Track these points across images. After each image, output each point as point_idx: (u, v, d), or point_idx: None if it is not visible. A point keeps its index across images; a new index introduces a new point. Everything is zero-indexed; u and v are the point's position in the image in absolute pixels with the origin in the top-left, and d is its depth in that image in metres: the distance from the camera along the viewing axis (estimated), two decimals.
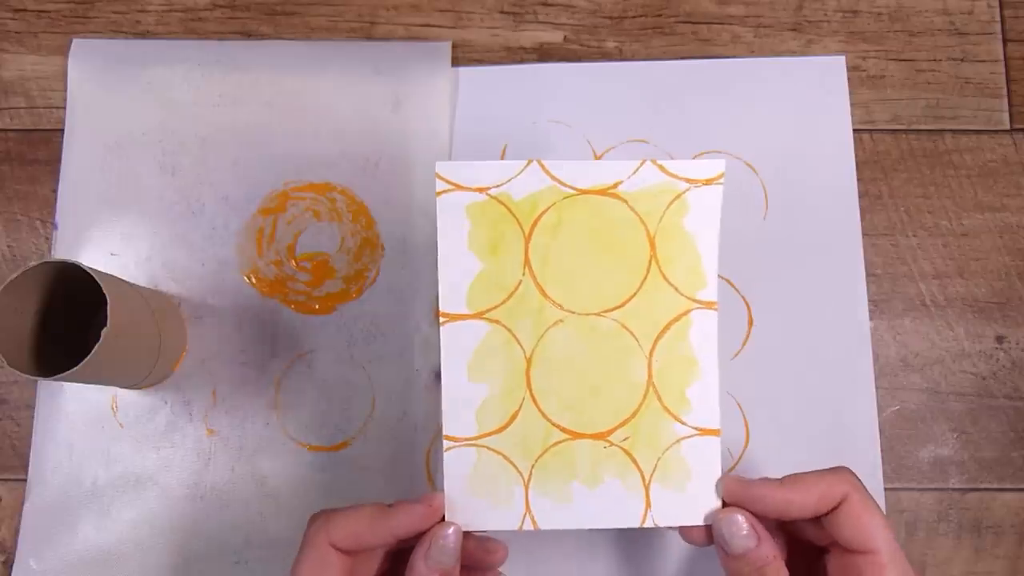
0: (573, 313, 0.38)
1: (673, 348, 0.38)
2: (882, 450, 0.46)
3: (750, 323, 0.47)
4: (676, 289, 0.39)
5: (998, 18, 0.51)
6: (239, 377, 0.47)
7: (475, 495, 0.38)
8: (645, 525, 0.38)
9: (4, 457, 0.47)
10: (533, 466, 0.38)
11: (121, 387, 0.47)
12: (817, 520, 0.36)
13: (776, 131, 0.49)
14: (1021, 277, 0.48)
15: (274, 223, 0.49)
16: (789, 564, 0.35)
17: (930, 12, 0.51)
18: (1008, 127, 0.49)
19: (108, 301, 0.39)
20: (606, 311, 0.38)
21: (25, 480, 0.46)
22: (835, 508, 0.35)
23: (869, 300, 0.47)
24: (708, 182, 0.39)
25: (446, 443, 0.38)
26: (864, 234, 0.48)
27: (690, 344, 0.38)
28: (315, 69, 0.50)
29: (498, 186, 0.39)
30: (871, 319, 0.47)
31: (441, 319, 0.38)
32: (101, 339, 0.39)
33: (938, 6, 0.51)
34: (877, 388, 0.46)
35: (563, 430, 0.38)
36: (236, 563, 0.45)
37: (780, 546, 0.37)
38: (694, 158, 0.48)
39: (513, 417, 0.38)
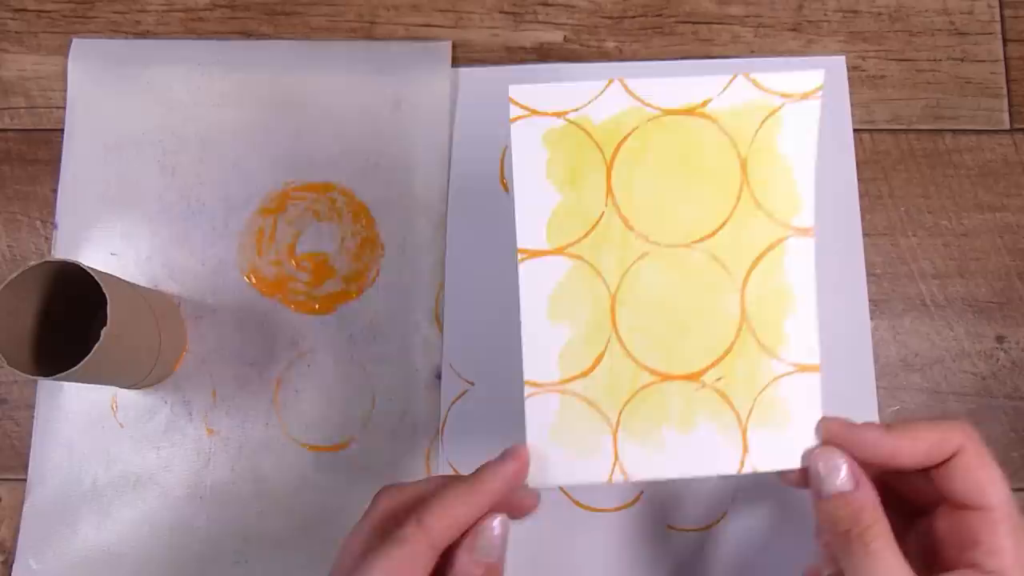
0: (660, 245, 0.36)
1: (767, 279, 0.36)
2: None
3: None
4: (770, 216, 0.36)
5: (998, 18, 0.51)
6: (239, 377, 0.47)
7: (559, 446, 0.35)
8: (744, 471, 0.35)
9: (4, 457, 0.47)
10: (621, 412, 0.35)
11: (121, 387, 0.47)
12: (925, 473, 0.33)
13: None
14: (1021, 277, 0.48)
15: (274, 223, 0.49)
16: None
17: (930, 12, 0.51)
18: (1008, 127, 0.49)
19: (108, 301, 0.39)
20: (695, 242, 0.36)
21: (25, 480, 0.46)
22: (947, 461, 0.32)
23: (869, 300, 0.47)
24: (805, 96, 0.36)
25: (527, 389, 0.35)
26: (864, 234, 0.48)
27: (785, 274, 0.36)
28: (315, 69, 0.50)
29: (576, 110, 0.36)
30: (871, 319, 0.47)
31: (519, 256, 0.36)
32: (101, 339, 0.39)
33: (938, 6, 0.51)
34: (877, 388, 0.46)
35: (652, 372, 0.36)
36: (236, 563, 0.45)
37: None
38: None
39: (598, 360, 0.36)
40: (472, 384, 0.47)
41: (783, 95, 0.36)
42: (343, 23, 0.52)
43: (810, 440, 0.35)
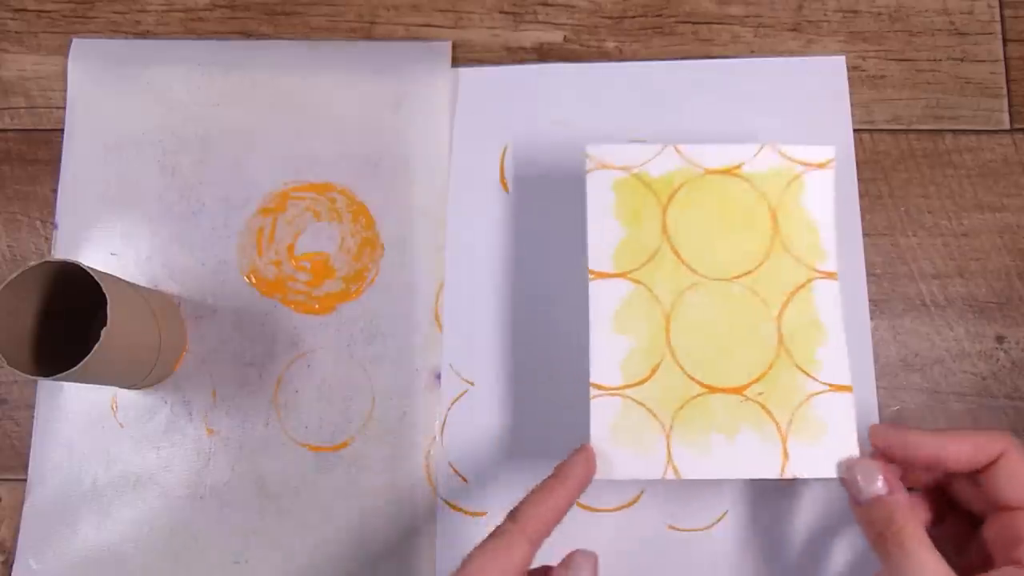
0: (706, 278, 0.42)
1: (800, 313, 0.41)
2: None
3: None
4: (798, 260, 0.42)
5: (998, 18, 0.51)
6: (239, 377, 0.47)
7: (619, 444, 0.40)
8: (784, 476, 0.39)
9: (4, 457, 0.47)
10: (674, 417, 0.40)
11: (121, 387, 0.47)
12: (975, 482, 0.36)
13: (776, 131, 0.49)
14: (1021, 277, 0.48)
15: (274, 223, 0.49)
16: (943, 537, 0.35)
17: (930, 12, 0.51)
18: (1008, 127, 0.49)
19: (108, 301, 0.39)
20: (735, 277, 0.42)
21: (25, 480, 0.46)
22: (992, 464, 0.35)
23: (869, 300, 0.47)
24: (821, 165, 0.43)
25: (593, 391, 0.40)
26: (864, 234, 0.48)
27: (816, 309, 0.41)
28: (315, 69, 0.50)
29: (639, 165, 0.43)
30: (871, 319, 0.47)
31: (590, 276, 0.42)
32: (101, 339, 0.39)
33: (938, 6, 0.51)
34: (877, 388, 0.46)
35: (701, 384, 0.41)
36: (236, 563, 0.45)
37: (931, 514, 0.39)
38: None
39: (654, 370, 0.41)
40: (472, 384, 0.47)
41: (803, 163, 0.43)
42: (343, 23, 0.52)
43: (847, 451, 0.39)
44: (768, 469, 0.39)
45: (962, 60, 0.50)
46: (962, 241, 0.48)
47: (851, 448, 0.39)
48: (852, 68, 0.50)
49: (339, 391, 0.47)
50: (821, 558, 0.44)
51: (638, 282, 0.42)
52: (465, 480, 0.46)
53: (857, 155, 0.49)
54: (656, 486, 0.45)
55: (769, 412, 0.40)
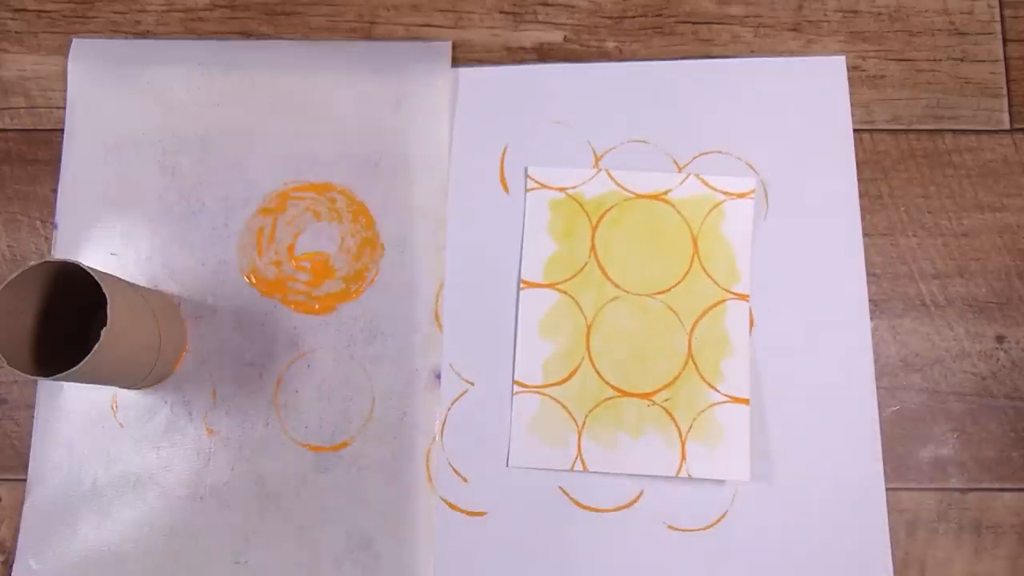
0: (628, 292, 0.46)
1: (710, 329, 0.46)
2: (882, 450, 0.46)
3: (751, 323, 0.47)
4: (714, 281, 0.46)
5: (998, 18, 0.51)
6: (239, 377, 0.47)
7: (535, 437, 0.45)
8: (680, 475, 0.44)
9: (4, 457, 0.47)
10: (587, 416, 0.45)
11: (121, 387, 0.47)
12: None
13: (776, 131, 0.49)
14: (1021, 277, 0.48)
15: (274, 223, 0.49)
16: None
17: (930, 12, 0.51)
18: (1008, 127, 0.49)
19: (108, 301, 0.39)
20: (655, 294, 0.46)
21: (25, 480, 0.46)
22: None
23: (869, 300, 0.47)
24: (741, 196, 0.47)
25: (516, 388, 0.45)
26: (864, 234, 0.48)
27: (725, 327, 0.46)
28: (315, 69, 0.50)
29: (574, 187, 0.47)
30: (871, 319, 0.47)
31: (522, 285, 0.46)
32: (101, 339, 0.39)
33: (938, 6, 0.51)
34: (877, 388, 0.46)
35: (614, 388, 0.45)
36: (236, 563, 0.45)
37: None
38: (694, 158, 0.49)
39: (573, 373, 0.45)
40: (472, 384, 0.47)
41: (724, 193, 0.47)
42: (343, 23, 0.52)
43: (740, 457, 0.44)
44: (667, 468, 0.44)
45: (962, 60, 0.50)
46: (962, 241, 0.48)
47: (743, 454, 0.44)
48: (852, 68, 0.50)
49: (339, 391, 0.47)
50: (820, 558, 0.44)
51: (565, 293, 0.46)
52: (465, 480, 0.46)
53: (857, 155, 0.49)
54: (656, 486, 0.45)
55: (673, 417, 0.45)
